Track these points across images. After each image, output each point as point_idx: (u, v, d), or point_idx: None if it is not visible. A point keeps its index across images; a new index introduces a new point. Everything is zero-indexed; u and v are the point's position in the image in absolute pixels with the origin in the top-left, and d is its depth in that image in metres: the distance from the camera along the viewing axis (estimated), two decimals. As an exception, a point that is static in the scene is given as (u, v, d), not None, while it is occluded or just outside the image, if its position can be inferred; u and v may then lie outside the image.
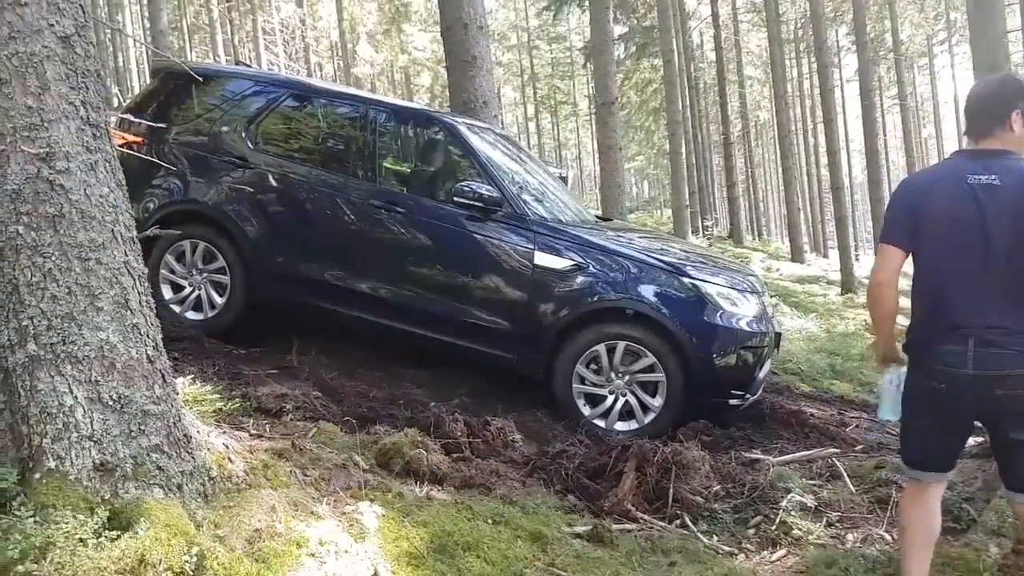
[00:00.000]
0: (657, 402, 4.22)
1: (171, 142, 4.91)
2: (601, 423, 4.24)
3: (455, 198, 4.44)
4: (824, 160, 22.02)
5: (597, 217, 6.07)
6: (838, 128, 21.30)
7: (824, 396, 6.22)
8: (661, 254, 4.60)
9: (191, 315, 4.72)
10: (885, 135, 40.07)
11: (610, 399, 4.28)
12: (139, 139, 4.92)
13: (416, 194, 4.79)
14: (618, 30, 21.07)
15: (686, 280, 4.32)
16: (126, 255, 2.12)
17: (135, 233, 2.20)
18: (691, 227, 18.22)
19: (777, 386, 6.02)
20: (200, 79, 4.96)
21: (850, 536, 3.19)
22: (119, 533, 1.90)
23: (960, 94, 36.83)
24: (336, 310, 4.63)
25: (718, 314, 4.26)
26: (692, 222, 19.32)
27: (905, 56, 34.59)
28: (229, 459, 2.41)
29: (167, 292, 4.71)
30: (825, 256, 28.97)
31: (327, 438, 3.13)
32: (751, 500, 3.40)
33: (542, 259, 4.35)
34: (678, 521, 3.17)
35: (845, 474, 3.78)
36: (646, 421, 4.21)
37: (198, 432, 2.36)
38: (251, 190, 4.74)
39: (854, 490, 3.63)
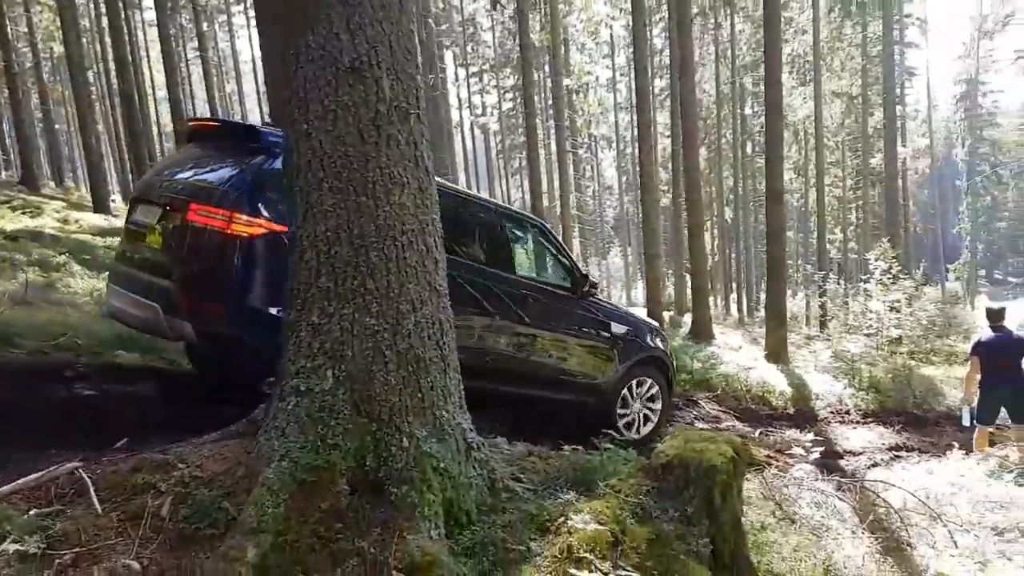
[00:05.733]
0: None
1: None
2: None
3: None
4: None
5: None
6: (131, 69, 19.94)
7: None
8: None
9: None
10: (191, 86, 39.87)
11: None
12: None
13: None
14: None
15: None
16: None
17: None
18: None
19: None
20: None
21: (81, 583, 2.36)
22: None
23: (257, 55, 39.20)
24: None
25: None
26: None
27: (205, 10, 34.78)
28: None
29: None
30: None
31: None
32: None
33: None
34: None
35: (92, 489, 2.91)
36: None
37: None
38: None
39: (101, 510, 2.80)
